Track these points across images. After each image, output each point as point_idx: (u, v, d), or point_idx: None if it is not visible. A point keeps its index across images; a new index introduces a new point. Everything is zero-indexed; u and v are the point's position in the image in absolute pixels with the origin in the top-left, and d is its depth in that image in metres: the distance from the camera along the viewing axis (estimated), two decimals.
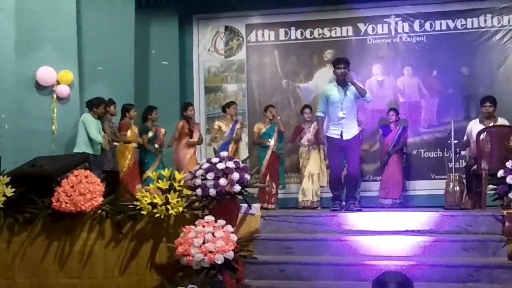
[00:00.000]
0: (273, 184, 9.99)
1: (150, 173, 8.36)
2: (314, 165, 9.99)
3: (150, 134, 9.79)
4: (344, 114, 7.63)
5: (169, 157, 10.04)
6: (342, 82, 7.70)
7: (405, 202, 10.14)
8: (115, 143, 9.26)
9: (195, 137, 9.98)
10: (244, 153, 10.59)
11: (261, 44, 11.75)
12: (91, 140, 8.87)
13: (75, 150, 8.76)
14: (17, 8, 9.03)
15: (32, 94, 9.26)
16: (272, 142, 10.00)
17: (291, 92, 11.60)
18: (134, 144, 9.53)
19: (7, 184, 6.15)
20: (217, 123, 10.10)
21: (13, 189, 6.13)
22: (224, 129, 9.96)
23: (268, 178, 9.91)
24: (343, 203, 7.83)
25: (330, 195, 8.39)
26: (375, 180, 10.65)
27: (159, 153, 9.81)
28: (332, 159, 7.91)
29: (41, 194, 6.13)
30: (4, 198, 6.11)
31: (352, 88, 7.68)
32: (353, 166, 7.83)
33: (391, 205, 9.82)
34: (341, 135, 7.68)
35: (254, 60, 11.76)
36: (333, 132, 7.73)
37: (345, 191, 8.02)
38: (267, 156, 9.98)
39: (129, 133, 9.50)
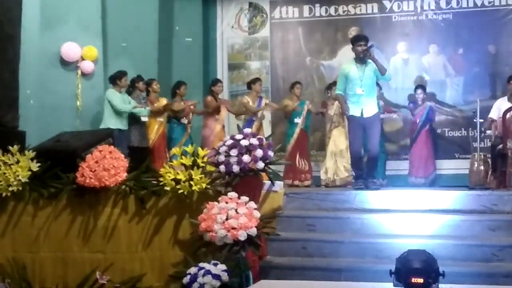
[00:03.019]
0: (305, 161, 9.99)
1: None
2: (334, 145, 9.84)
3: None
4: (362, 91, 7.54)
5: (198, 133, 10.05)
6: (362, 59, 7.63)
7: (434, 182, 9.97)
8: (143, 119, 9.25)
9: (222, 114, 9.97)
10: (267, 130, 10.53)
11: (285, 21, 11.66)
12: (116, 115, 8.90)
13: (101, 126, 8.80)
14: None
15: (56, 70, 9.31)
16: (300, 120, 9.98)
17: (315, 70, 11.52)
18: (161, 118, 9.53)
19: (32, 159, 6.20)
20: (246, 98, 10.06)
21: (38, 164, 6.18)
22: (250, 105, 9.94)
23: (298, 156, 9.91)
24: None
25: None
26: (405, 159, 10.44)
27: (188, 128, 9.86)
28: (353, 137, 7.79)
29: (66, 169, 6.18)
30: (29, 173, 6.17)
31: (371, 66, 7.60)
32: (373, 145, 7.70)
33: (420, 183, 9.75)
34: (362, 113, 7.62)
35: (278, 37, 11.68)
36: (353, 110, 7.64)
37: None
38: (295, 135, 9.96)
39: (156, 105, 9.52)
